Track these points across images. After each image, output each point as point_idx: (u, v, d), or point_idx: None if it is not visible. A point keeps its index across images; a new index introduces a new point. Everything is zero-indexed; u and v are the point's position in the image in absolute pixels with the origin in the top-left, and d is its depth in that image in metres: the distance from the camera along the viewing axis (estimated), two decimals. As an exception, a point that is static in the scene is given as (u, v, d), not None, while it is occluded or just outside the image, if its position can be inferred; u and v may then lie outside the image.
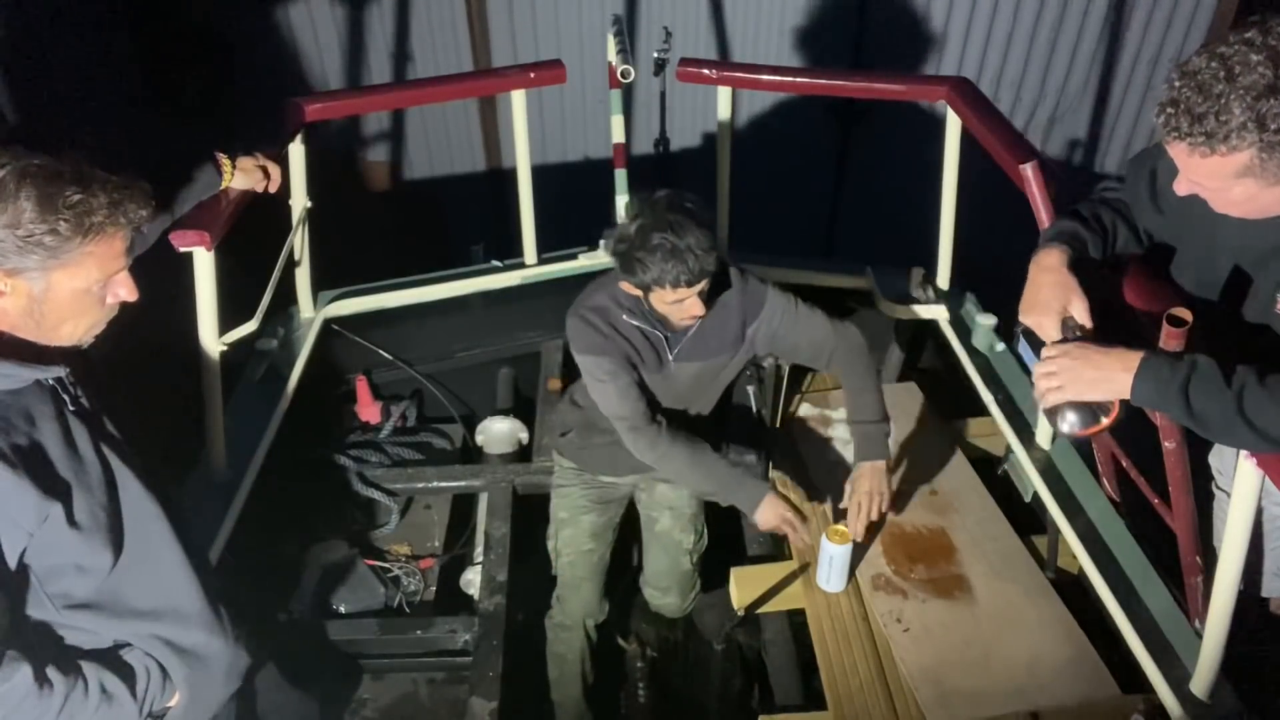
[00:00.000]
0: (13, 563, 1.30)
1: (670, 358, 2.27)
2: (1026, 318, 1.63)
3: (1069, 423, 1.62)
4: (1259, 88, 1.29)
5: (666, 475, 2.38)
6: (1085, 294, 1.59)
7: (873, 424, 2.29)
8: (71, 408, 1.37)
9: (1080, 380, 1.54)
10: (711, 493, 2.32)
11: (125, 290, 1.39)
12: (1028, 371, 1.69)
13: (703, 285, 2.07)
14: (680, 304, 2.09)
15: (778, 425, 2.74)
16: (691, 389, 2.36)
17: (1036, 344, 1.62)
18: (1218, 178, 1.39)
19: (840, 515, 2.46)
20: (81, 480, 1.34)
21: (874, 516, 2.26)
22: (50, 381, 1.35)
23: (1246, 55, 1.30)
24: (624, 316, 2.22)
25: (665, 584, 2.55)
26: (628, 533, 2.70)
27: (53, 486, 1.30)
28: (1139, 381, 1.48)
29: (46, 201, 1.24)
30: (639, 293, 2.13)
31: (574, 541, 2.50)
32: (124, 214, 1.31)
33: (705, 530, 2.59)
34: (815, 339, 2.33)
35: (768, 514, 2.21)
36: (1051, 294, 1.60)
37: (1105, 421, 1.61)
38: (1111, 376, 1.51)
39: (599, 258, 3.14)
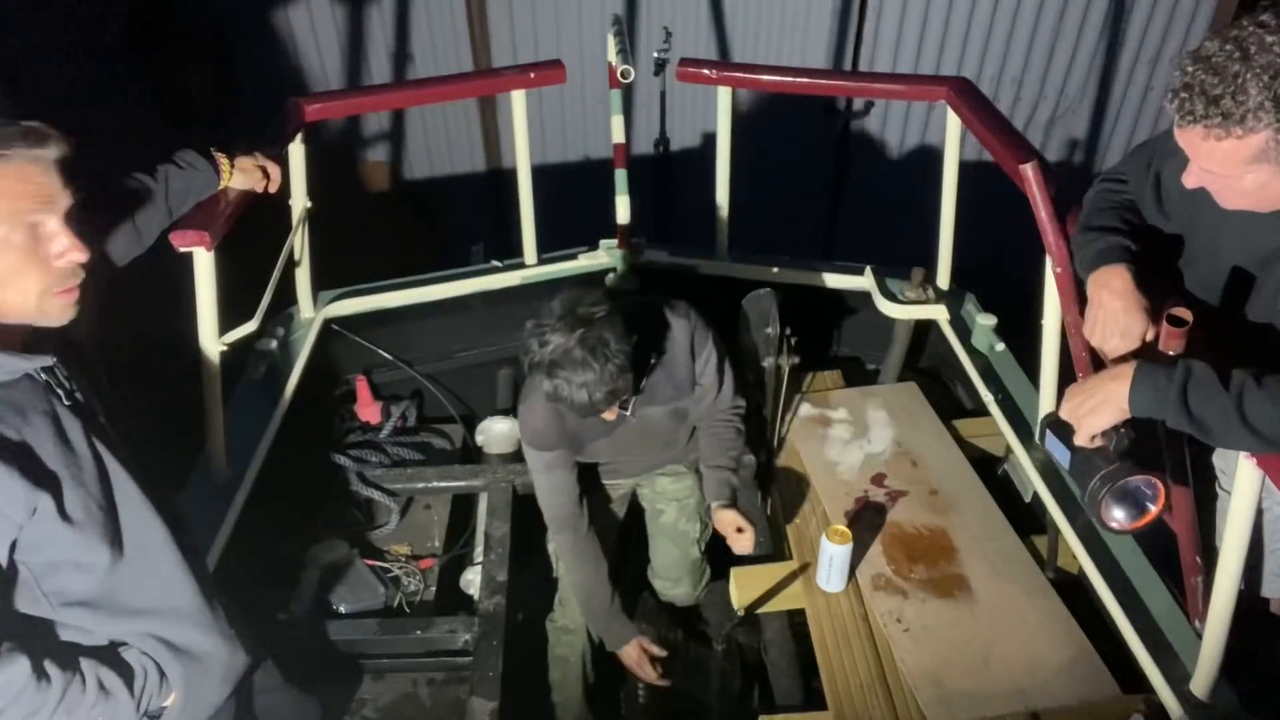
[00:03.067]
0: (2, 556, 1.29)
1: (628, 412, 2.27)
2: (1105, 343, 1.61)
3: (1117, 519, 1.61)
4: (1275, 67, 1.28)
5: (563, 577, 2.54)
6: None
7: (725, 470, 2.37)
8: (66, 403, 1.35)
9: (1085, 412, 1.53)
10: (588, 621, 2.48)
11: (67, 243, 1.27)
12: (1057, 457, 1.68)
13: (618, 401, 2.05)
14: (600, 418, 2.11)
15: (778, 425, 2.74)
16: (661, 430, 2.39)
17: (1065, 437, 1.61)
18: (1231, 163, 1.38)
19: (839, 517, 2.47)
20: (74, 475, 1.33)
21: (747, 547, 2.31)
22: (43, 377, 1.34)
23: (1261, 36, 1.29)
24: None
25: (676, 574, 2.55)
26: (628, 533, 2.70)
27: (42, 479, 1.28)
28: (1135, 390, 1.46)
29: None
30: None
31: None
32: (6, 145, 1.21)
33: (710, 520, 2.59)
34: (710, 400, 2.36)
35: (628, 657, 2.40)
36: (1132, 319, 1.57)
37: (1153, 509, 1.60)
38: (1109, 394, 1.50)
39: (599, 258, 3.14)
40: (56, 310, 1.31)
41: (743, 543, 2.32)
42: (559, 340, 1.92)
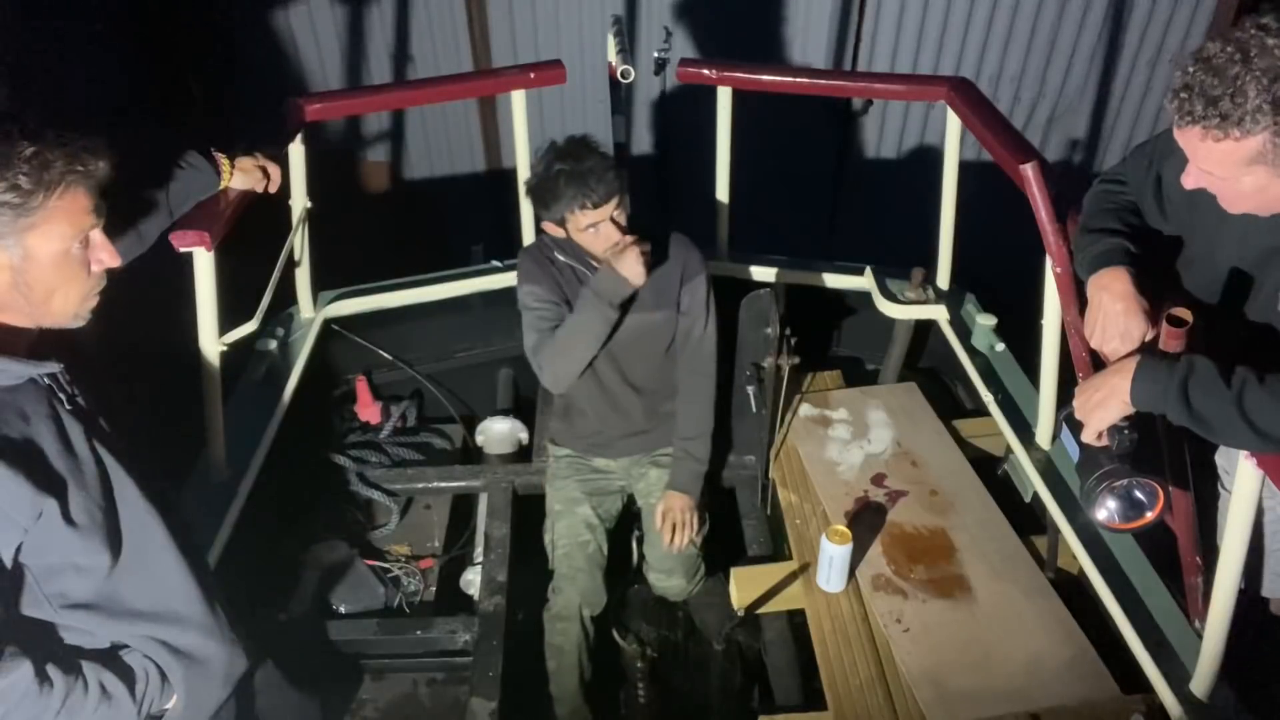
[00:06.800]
0: (7, 559, 1.29)
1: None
2: (1105, 346, 1.61)
3: (1107, 518, 1.62)
4: (1275, 70, 1.28)
5: (566, 359, 2.34)
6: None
7: (696, 461, 2.49)
8: (68, 407, 1.36)
9: (1092, 407, 1.54)
10: (594, 325, 2.27)
11: (106, 254, 1.36)
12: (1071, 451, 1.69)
13: (612, 208, 2.16)
14: (596, 230, 2.17)
15: (778, 425, 2.74)
16: (627, 346, 2.41)
17: (1077, 433, 1.62)
18: (1229, 165, 1.38)
19: (839, 516, 2.47)
20: (77, 479, 1.34)
21: (681, 543, 2.45)
22: (46, 381, 1.34)
23: (1262, 39, 1.29)
24: (557, 254, 2.36)
25: (669, 566, 2.55)
26: (626, 529, 2.70)
27: (47, 483, 1.29)
28: (1136, 384, 1.48)
29: (2, 160, 1.22)
30: (562, 232, 2.23)
31: (569, 533, 2.52)
32: (80, 163, 1.28)
33: (706, 514, 2.59)
34: (694, 340, 2.45)
35: (626, 269, 2.19)
36: (1132, 322, 1.58)
37: (1149, 515, 1.60)
38: (1113, 388, 1.51)
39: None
40: (85, 314, 1.38)
41: (676, 539, 2.45)
42: (556, 153, 2.18)
